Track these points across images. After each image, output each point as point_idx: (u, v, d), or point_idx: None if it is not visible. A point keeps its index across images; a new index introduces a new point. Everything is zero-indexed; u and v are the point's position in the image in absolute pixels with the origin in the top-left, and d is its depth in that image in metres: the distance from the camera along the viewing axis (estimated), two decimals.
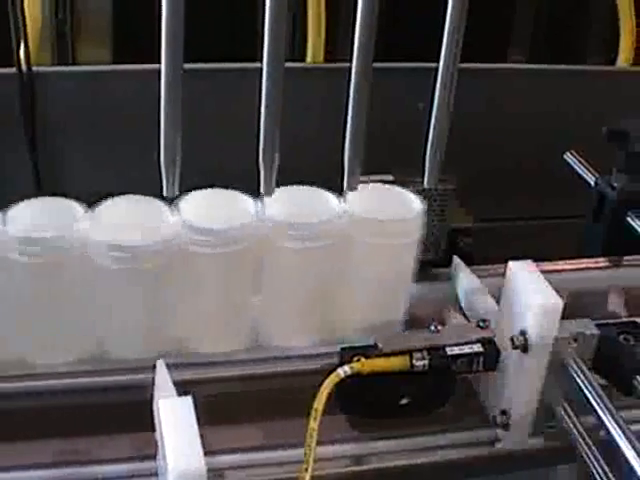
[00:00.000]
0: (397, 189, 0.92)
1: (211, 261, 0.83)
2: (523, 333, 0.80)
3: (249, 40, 1.16)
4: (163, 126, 0.77)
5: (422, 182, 0.85)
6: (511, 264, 0.84)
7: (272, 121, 0.79)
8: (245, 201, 0.86)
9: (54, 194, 1.03)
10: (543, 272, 0.83)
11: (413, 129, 1.06)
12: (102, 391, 0.82)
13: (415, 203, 0.89)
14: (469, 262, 1.09)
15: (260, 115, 0.78)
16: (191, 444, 0.65)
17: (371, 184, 0.91)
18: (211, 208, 0.85)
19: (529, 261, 0.84)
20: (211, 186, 0.86)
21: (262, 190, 0.81)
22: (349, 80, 0.79)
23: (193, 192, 0.84)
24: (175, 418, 0.67)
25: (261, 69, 0.77)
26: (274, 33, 0.76)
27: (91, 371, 0.83)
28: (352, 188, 0.84)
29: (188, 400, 0.68)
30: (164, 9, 0.72)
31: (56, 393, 0.81)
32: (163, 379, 0.75)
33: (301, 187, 0.88)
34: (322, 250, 0.85)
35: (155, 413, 0.71)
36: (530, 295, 0.80)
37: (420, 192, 0.94)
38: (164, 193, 0.80)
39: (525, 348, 0.80)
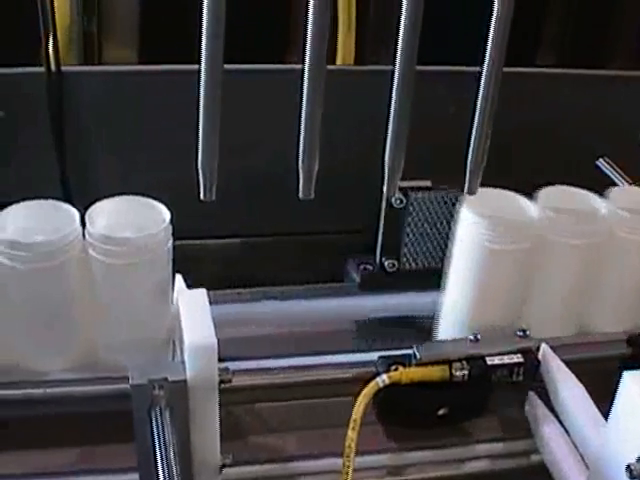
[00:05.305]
0: None
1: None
2: None
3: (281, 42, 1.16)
4: (202, 129, 0.75)
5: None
6: (627, 376, 0.72)
7: (312, 124, 0.77)
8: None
9: (81, 195, 1.02)
10: None
11: (444, 133, 1.06)
12: (102, 399, 0.80)
13: None
14: None
15: (300, 118, 0.76)
16: (204, 324, 0.72)
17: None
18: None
19: None
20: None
21: (300, 194, 0.80)
22: (391, 83, 0.78)
23: None
24: (191, 304, 0.75)
25: (302, 72, 0.75)
26: (317, 35, 0.74)
27: (90, 378, 0.80)
28: (392, 193, 0.83)
29: (203, 291, 0.76)
30: (205, 11, 0.71)
31: (53, 401, 0.78)
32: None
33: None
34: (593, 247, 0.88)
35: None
36: None
37: (457, 198, 0.93)
38: (201, 197, 0.78)
39: None
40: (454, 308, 0.92)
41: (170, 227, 0.79)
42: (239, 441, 0.81)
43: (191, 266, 0.84)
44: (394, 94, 0.79)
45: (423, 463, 0.85)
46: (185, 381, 0.71)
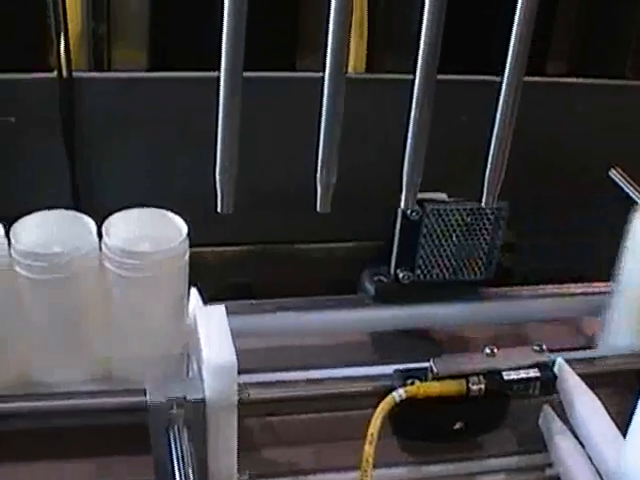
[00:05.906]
0: None
1: None
2: None
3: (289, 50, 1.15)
4: (220, 139, 0.74)
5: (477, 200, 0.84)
6: None
7: (331, 137, 0.76)
8: None
9: (90, 203, 1.01)
10: None
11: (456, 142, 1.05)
12: (116, 412, 0.78)
13: None
14: (509, 277, 1.08)
15: (320, 130, 0.76)
16: (224, 342, 0.72)
17: None
18: None
19: None
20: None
21: (318, 208, 0.79)
22: (410, 97, 0.77)
23: None
24: (209, 321, 0.75)
25: (322, 85, 0.74)
26: (336, 44, 0.73)
27: (104, 391, 0.79)
28: (409, 206, 0.82)
29: (221, 307, 0.76)
30: (226, 18, 0.70)
31: (67, 413, 0.77)
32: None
33: None
34: None
35: None
36: None
37: (472, 210, 0.93)
38: (218, 209, 0.77)
39: None
40: (624, 315, 0.94)
41: (187, 241, 0.78)
42: (255, 454, 0.81)
43: (203, 274, 0.83)
44: (413, 108, 0.78)
45: (439, 477, 0.84)
46: (204, 400, 0.71)
